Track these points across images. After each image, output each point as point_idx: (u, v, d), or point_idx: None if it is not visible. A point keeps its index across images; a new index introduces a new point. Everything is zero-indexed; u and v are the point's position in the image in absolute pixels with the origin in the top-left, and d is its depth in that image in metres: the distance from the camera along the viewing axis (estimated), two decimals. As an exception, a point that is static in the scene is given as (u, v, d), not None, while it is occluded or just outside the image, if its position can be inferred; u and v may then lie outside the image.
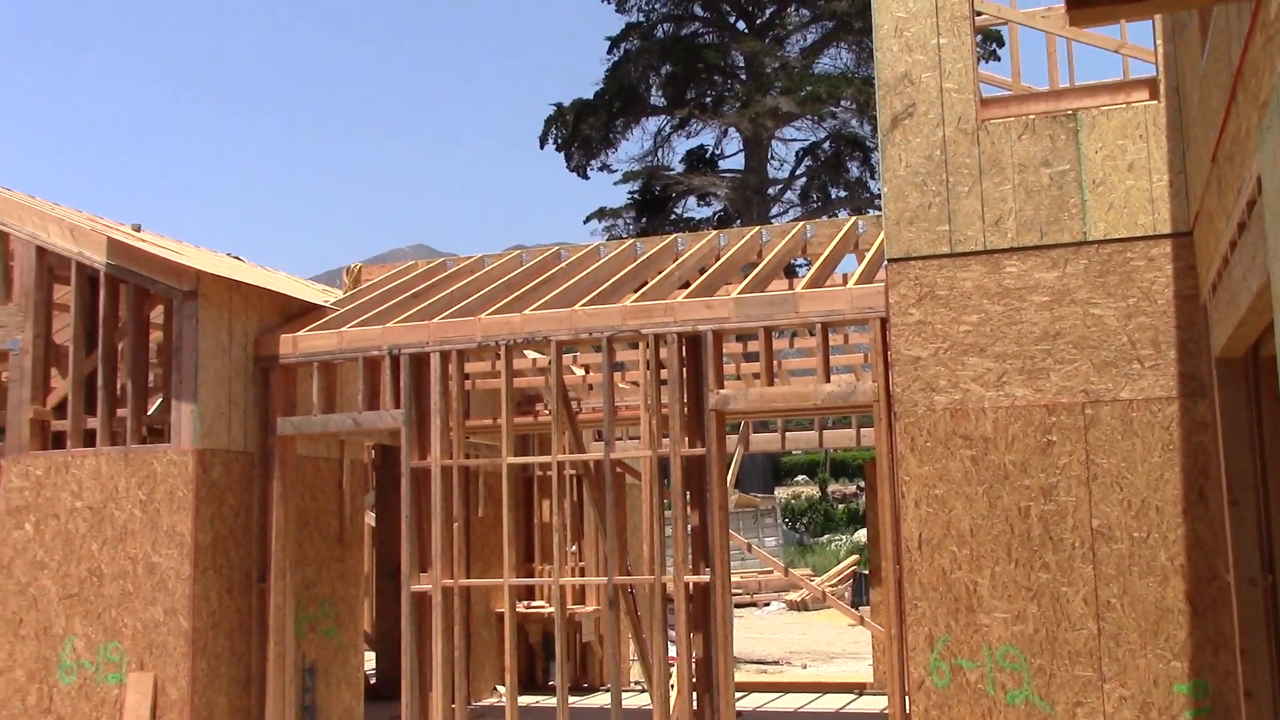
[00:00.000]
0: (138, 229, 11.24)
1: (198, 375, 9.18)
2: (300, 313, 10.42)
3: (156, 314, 10.40)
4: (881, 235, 9.31)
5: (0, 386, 12.32)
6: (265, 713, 9.39)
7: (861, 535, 36.47)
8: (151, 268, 9.42)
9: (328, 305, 10.71)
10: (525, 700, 11.73)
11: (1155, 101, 7.38)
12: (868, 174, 46.97)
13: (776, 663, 17.51)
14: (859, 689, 13.59)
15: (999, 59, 37.94)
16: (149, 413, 9.69)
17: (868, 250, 10.16)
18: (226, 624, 9.26)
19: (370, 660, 14.22)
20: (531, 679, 14.07)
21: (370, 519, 14.52)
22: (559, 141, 48.71)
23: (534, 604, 14.33)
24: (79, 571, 9.23)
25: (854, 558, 29.93)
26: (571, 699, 9.18)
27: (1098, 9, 3.73)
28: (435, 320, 9.39)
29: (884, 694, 11.94)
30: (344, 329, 9.64)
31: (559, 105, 48.63)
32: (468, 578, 9.29)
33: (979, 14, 9.41)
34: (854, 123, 45.95)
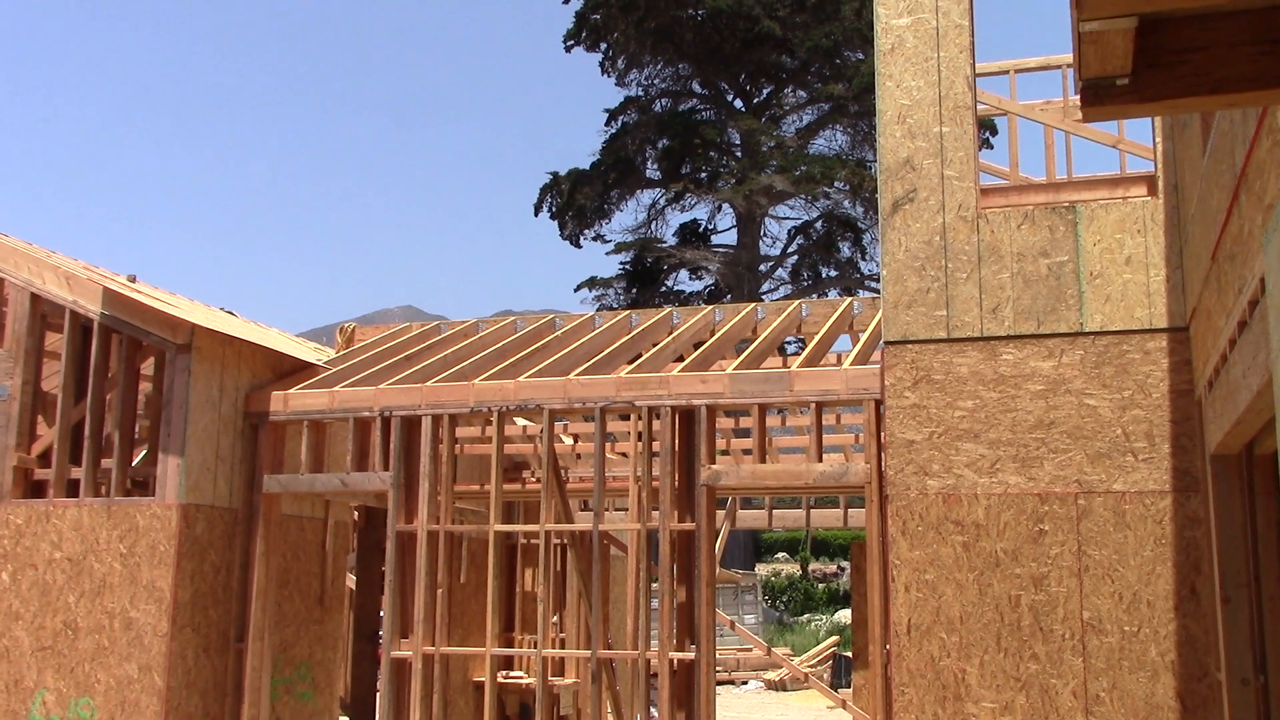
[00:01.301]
0: (133, 280, 11.23)
1: (186, 429, 9.11)
2: (292, 370, 10.39)
3: (147, 366, 10.35)
4: (878, 317, 9.36)
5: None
6: (235, 776, 9.20)
7: (842, 616, 36.22)
8: (145, 319, 9.40)
9: (320, 364, 10.68)
10: (499, 773, 11.52)
11: (1154, 198, 7.45)
12: (859, 254, 47.36)
13: (754, 743, 17.27)
14: (838, 774, 13.40)
15: (992, 147, 38.43)
16: (134, 464, 9.61)
17: (862, 331, 10.20)
18: (201, 683, 9.10)
19: (343, 725, 13.98)
20: (506, 751, 13.83)
21: (351, 581, 14.36)
22: (553, 209, 49.03)
23: (512, 674, 14.14)
24: (54, 624, 9.09)
25: (834, 639, 29.69)
26: (548, 774, 9.02)
27: (1110, 107, 3.77)
28: (428, 384, 9.36)
29: (864, 780, 11.77)
30: (336, 388, 9.60)
31: (555, 174, 49.03)
32: (448, 645, 9.16)
33: (980, 104, 9.55)
34: (847, 204, 46.42)
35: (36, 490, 9.60)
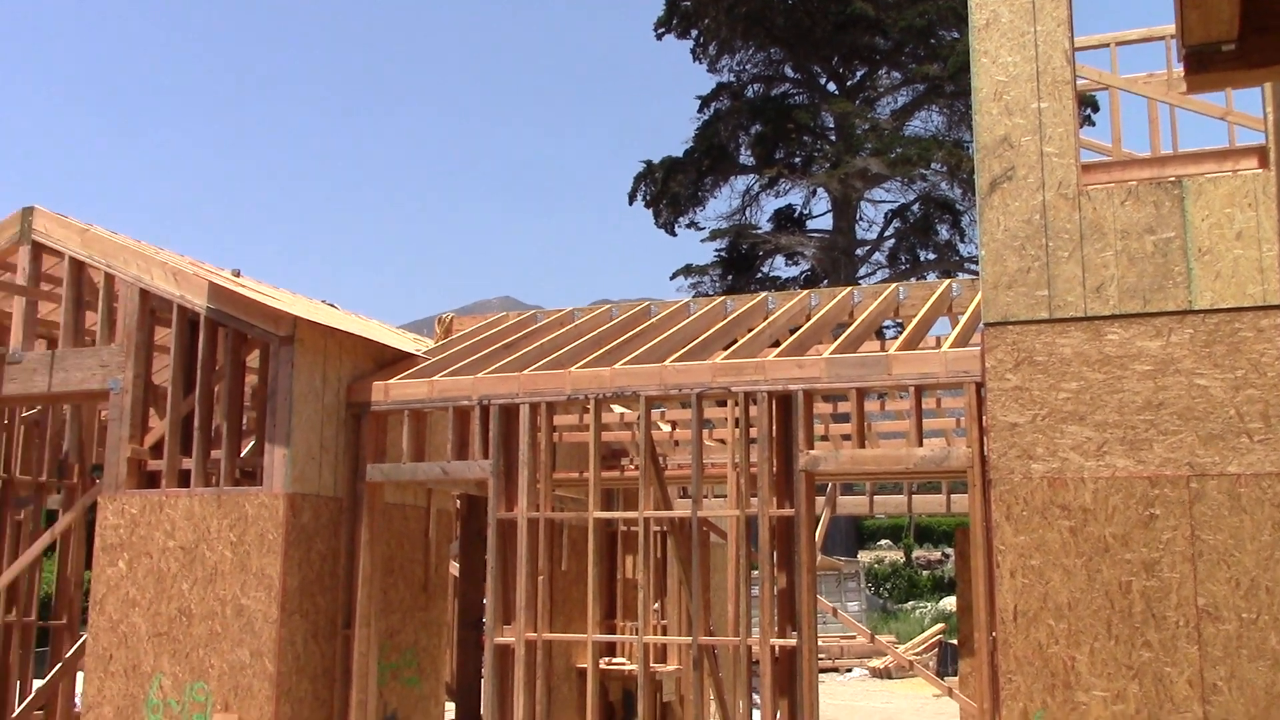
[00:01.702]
0: (237, 274, 11.49)
1: (291, 419, 9.30)
2: (393, 360, 10.54)
3: (253, 358, 10.59)
4: (977, 298, 9.19)
5: (100, 425, 12.62)
6: (344, 760, 9.39)
7: (947, 603, 35.77)
8: (250, 312, 9.60)
9: (420, 354, 10.82)
10: (602, 758, 11.59)
11: (1265, 170, 7.20)
12: (957, 237, 46.65)
13: (857, 731, 17.14)
14: (943, 762, 13.23)
15: (1094, 124, 37.54)
16: (242, 455, 9.83)
17: (961, 314, 10.03)
18: (311, 669, 9.30)
19: (450, 711, 14.19)
20: (608, 737, 13.93)
21: (454, 569, 14.55)
22: (647, 198, 49.10)
23: (615, 661, 14.22)
24: (169, 610, 9.35)
25: (940, 625, 29.35)
26: (650, 760, 9.05)
27: (1215, 74, 3.65)
28: (525, 372, 9.42)
29: (970, 768, 11.60)
30: (435, 378, 9.71)
31: (649, 162, 49.09)
32: (551, 631, 9.23)
33: (1080, 78, 9.32)
34: (944, 185, 45.76)
35: (150, 481, 9.89)
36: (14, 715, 11.81)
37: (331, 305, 13.24)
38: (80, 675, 10.10)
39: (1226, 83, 3.84)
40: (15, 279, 10.72)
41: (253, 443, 10.22)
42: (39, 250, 10.60)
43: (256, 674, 8.98)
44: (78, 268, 10.43)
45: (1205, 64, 3.59)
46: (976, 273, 7.62)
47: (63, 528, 11.81)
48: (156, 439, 9.96)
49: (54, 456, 12.75)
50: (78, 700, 10.51)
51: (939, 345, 9.52)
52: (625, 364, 9.23)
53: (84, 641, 10.29)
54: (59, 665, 11.92)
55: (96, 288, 10.38)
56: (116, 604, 9.52)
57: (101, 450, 10.91)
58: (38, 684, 12.18)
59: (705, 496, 15.04)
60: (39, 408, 12.33)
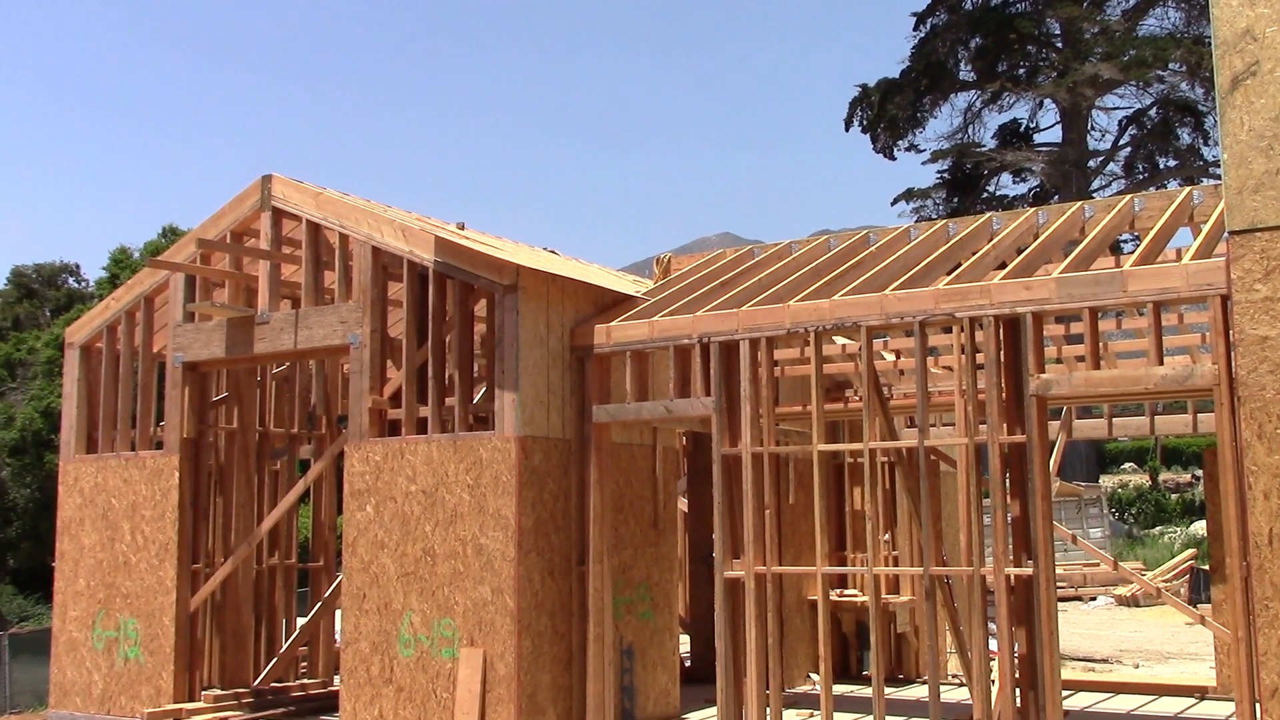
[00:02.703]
0: (461, 227, 11.84)
1: (518, 365, 9.56)
2: (613, 303, 10.69)
3: (480, 308, 10.92)
4: (1220, 206, 8.62)
5: (343, 378, 13.30)
6: (586, 691, 9.70)
7: (1198, 527, 34.15)
8: (475, 264, 9.89)
9: (639, 295, 10.93)
10: (839, 689, 11.61)
11: None
12: (1200, 141, 43.80)
13: (1105, 660, 16.62)
14: (1200, 693, 12.67)
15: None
16: (474, 401, 10.19)
17: (1204, 223, 9.43)
18: (548, 604, 9.62)
19: (685, 644, 14.45)
20: (845, 668, 13.91)
21: (683, 505, 14.75)
22: (864, 123, 47.98)
23: (846, 592, 14.17)
24: (414, 551, 9.82)
25: (1191, 551, 28.07)
26: (887, 690, 8.99)
27: None
28: (744, 308, 9.40)
29: (1229, 700, 11.07)
30: (655, 318, 9.80)
31: (864, 86, 47.92)
32: (780, 564, 9.26)
33: (1333, -43, 8.55)
34: (1184, 86, 42.94)
35: (391, 429, 10.36)
36: (281, 650, 12.67)
37: (553, 252, 13.51)
38: (338, 613, 10.73)
39: None
40: (259, 244, 11.35)
41: (483, 389, 10.58)
42: (278, 215, 11.19)
43: (498, 610, 9.35)
44: (314, 230, 10.96)
45: None
46: (1220, 178, 7.11)
47: (314, 475, 12.54)
48: (395, 389, 10.43)
49: (303, 409, 13.51)
50: (337, 636, 11.18)
51: (1179, 257, 8.98)
52: (844, 295, 9.09)
53: (339, 582, 10.93)
54: (319, 604, 12.73)
55: (333, 248, 10.90)
56: (367, 546, 10.06)
57: (345, 402, 11.49)
58: (301, 621, 13.03)
59: (933, 425, 14.73)
60: (287, 364, 13.05)
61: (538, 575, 9.53)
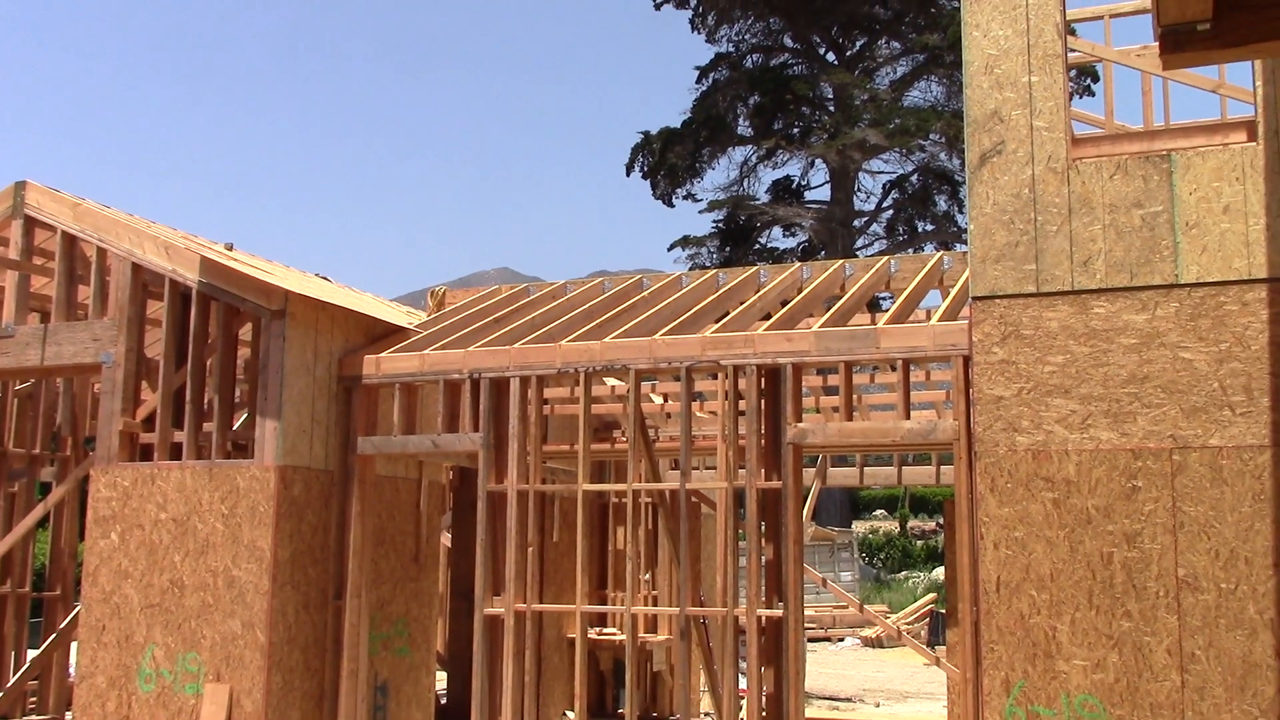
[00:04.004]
0: (230, 248, 11.50)
1: (282, 393, 9.33)
2: (384, 334, 10.56)
3: (245, 331, 10.61)
4: (967, 272, 9.21)
5: (93, 398, 12.67)
6: (337, 729, 9.48)
7: (940, 573, 35.95)
8: (242, 286, 9.62)
9: (411, 327, 10.85)
10: (594, 728, 11.70)
11: (1253, 144, 7.21)
12: (955, 208, 46.55)
13: (849, 700, 17.28)
14: (932, 731, 13.36)
15: (1094, 94, 37.44)
16: (234, 428, 9.88)
17: (952, 286, 10.05)
18: (302, 639, 9.37)
19: (441, 680, 14.30)
20: (601, 706, 14.04)
21: (446, 540, 14.63)
22: (645, 169, 48.96)
23: (606, 631, 14.32)
24: (161, 581, 9.41)
25: (931, 595, 29.52)
26: (640, 729, 9.15)
27: (1191, 53, 3.66)
28: (516, 345, 9.45)
29: (958, 738, 11.72)
30: (426, 351, 9.74)
31: (646, 133, 48.92)
32: (541, 602, 9.30)
33: (1072, 51, 9.30)
34: (943, 156, 45.62)
35: (142, 454, 9.93)
36: (9, 684, 11.90)
37: (325, 278, 13.25)
38: (74, 646, 10.16)
39: (1202, 61, 3.85)
40: (8, 253, 10.73)
41: (244, 416, 10.27)
42: (31, 224, 10.62)
43: (248, 644, 9.05)
44: (70, 242, 10.44)
45: (1181, 43, 3.60)
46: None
47: (56, 500, 11.89)
48: (149, 412, 10.00)
49: (47, 429, 12.81)
50: (72, 670, 10.59)
51: (929, 318, 9.54)
52: (615, 337, 9.26)
53: (77, 612, 10.36)
54: (53, 636, 12.02)
55: (89, 262, 10.40)
56: (109, 575, 9.58)
57: (94, 423, 10.96)
58: (32, 654, 12.28)
59: (695, 468, 15.10)
60: (32, 381, 12.36)
61: (292, 609, 9.28)
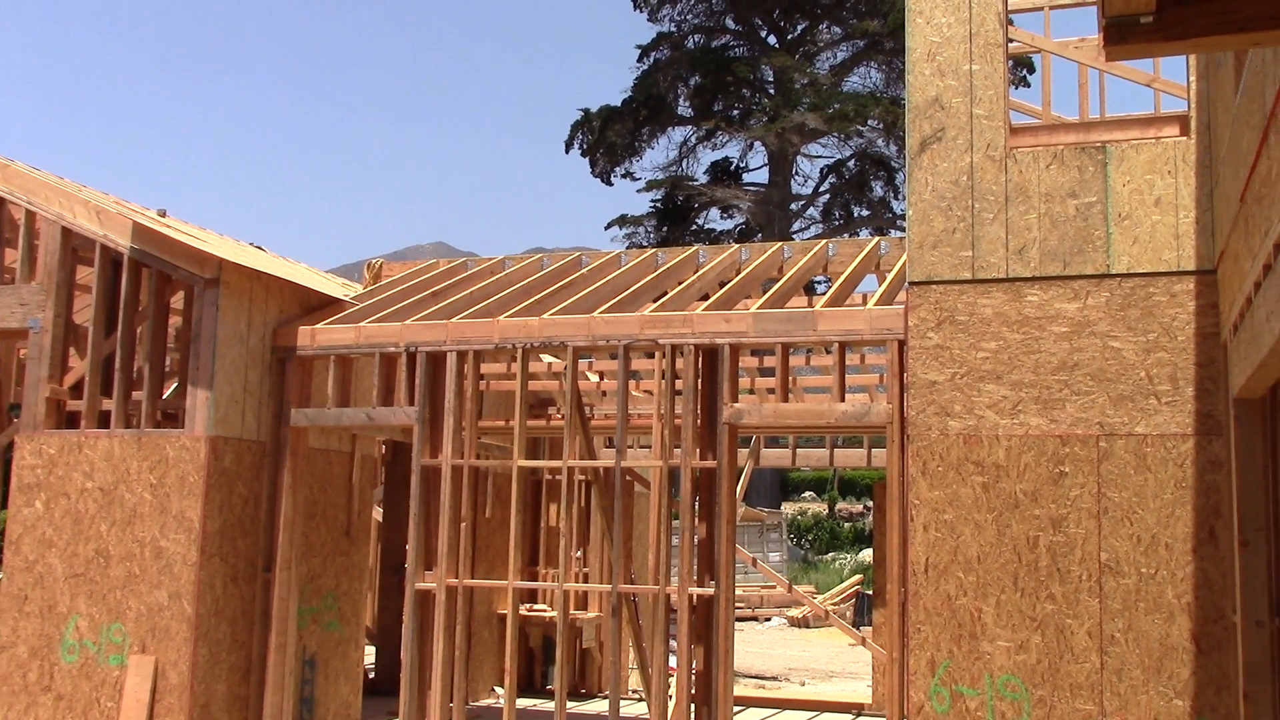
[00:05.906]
0: (163, 214, 11.30)
1: (215, 362, 9.21)
2: (320, 305, 10.46)
3: (177, 300, 10.45)
4: (904, 257, 9.31)
5: (18, 364, 12.40)
6: (264, 702, 9.41)
7: (866, 555, 36.38)
8: (175, 253, 9.47)
9: (347, 299, 10.75)
10: (523, 703, 11.72)
11: (1186, 138, 7.36)
12: (891, 194, 46.93)
13: (775, 678, 17.47)
14: (857, 709, 13.56)
15: (1029, 85, 37.88)
16: (164, 397, 9.73)
17: (889, 271, 10.16)
18: (229, 611, 9.28)
19: (370, 655, 14.24)
20: (530, 682, 14.07)
21: (378, 514, 14.54)
22: (584, 147, 48.77)
23: (536, 607, 14.34)
24: (86, 551, 9.27)
25: (858, 577, 29.86)
26: (570, 704, 9.19)
27: (1134, 45, 3.72)
28: (454, 320, 9.41)
29: (883, 716, 11.91)
30: (362, 324, 9.66)
31: (586, 111, 48.70)
32: (472, 578, 9.29)
33: (1012, 41, 9.41)
34: (880, 142, 45.93)
35: (69, 421, 9.75)
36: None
37: (260, 248, 13.08)
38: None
39: (1145, 53, 3.91)
40: (-70, 211, 10.45)
41: (175, 385, 10.11)
42: (-45, 183, 10.35)
43: (174, 616, 8.95)
44: (-4, 202, 10.19)
45: (1125, 35, 3.65)
46: (905, 232, 7.71)
47: (-22, 466, 11.62)
48: (76, 379, 9.82)
49: (-30, 394, 12.50)
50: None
51: (865, 303, 9.63)
52: (554, 314, 9.25)
53: (-1, 581, 10.18)
54: (-27, 605, 11.77)
55: (17, 225, 10.17)
56: (32, 544, 9.42)
57: (20, 389, 10.74)
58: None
59: (631, 447, 15.14)
60: (-46, 344, 12.06)
61: (220, 581, 9.18)
